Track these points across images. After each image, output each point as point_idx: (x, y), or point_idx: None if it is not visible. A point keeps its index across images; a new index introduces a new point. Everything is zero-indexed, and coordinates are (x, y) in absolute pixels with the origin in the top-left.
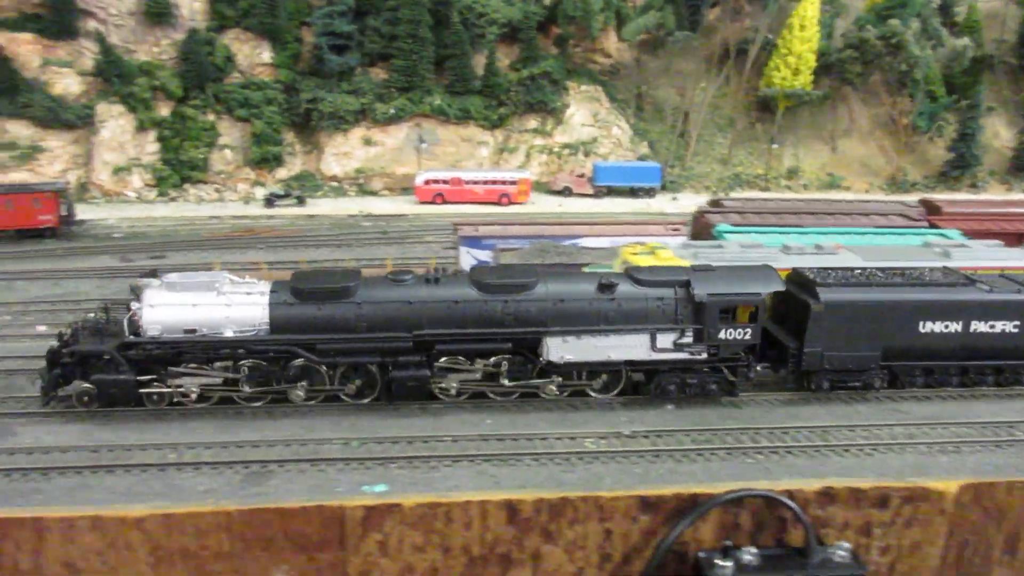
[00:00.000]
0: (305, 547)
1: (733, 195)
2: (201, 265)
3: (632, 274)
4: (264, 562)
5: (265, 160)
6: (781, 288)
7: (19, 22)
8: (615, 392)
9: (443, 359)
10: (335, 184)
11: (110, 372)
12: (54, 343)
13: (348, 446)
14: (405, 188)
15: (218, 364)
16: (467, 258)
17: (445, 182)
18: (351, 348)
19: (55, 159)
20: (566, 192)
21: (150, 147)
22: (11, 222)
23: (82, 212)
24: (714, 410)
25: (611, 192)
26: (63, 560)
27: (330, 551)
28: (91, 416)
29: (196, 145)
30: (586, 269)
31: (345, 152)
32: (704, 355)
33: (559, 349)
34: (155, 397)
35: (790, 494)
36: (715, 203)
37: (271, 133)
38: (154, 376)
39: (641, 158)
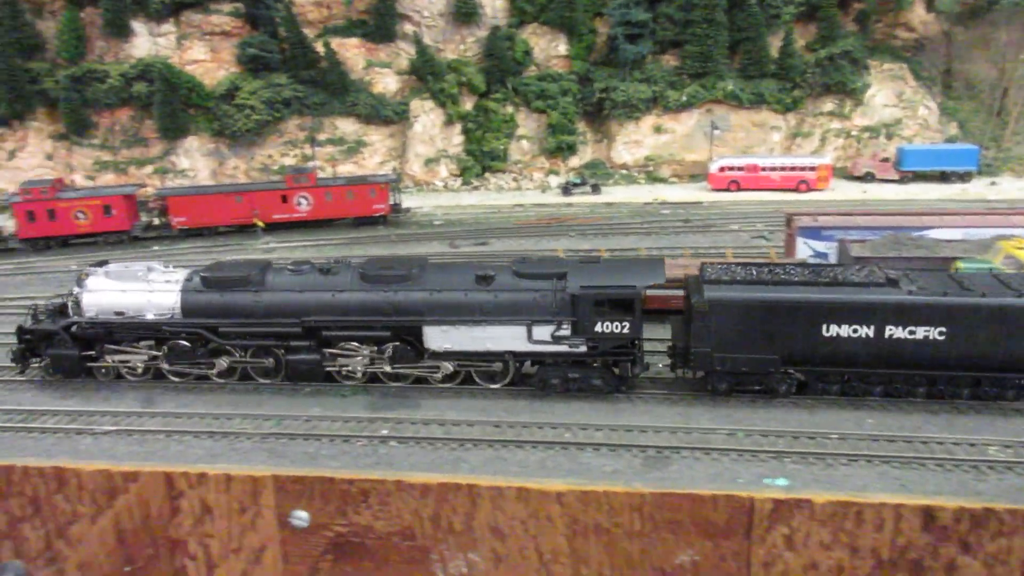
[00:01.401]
0: (712, 534)
1: None
2: (523, 251)
3: (513, 267)
4: (671, 544)
5: (559, 149)
6: (660, 281)
7: (347, 28)
8: (504, 383)
9: (340, 345)
10: (624, 172)
11: (59, 347)
12: (25, 322)
13: (733, 436)
14: (694, 175)
15: (143, 343)
16: (804, 249)
17: (740, 169)
18: (249, 332)
19: (375, 152)
20: (868, 178)
21: (455, 139)
22: (351, 211)
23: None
24: None
25: (917, 177)
26: (490, 525)
27: (735, 540)
28: (482, 394)
29: (497, 136)
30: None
31: (636, 140)
32: (583, 348)
33: (439, 339)
34: (103, 371)
35: None
36: None
37: (566, 123)
38: (94, 352)
39: (949, 140)
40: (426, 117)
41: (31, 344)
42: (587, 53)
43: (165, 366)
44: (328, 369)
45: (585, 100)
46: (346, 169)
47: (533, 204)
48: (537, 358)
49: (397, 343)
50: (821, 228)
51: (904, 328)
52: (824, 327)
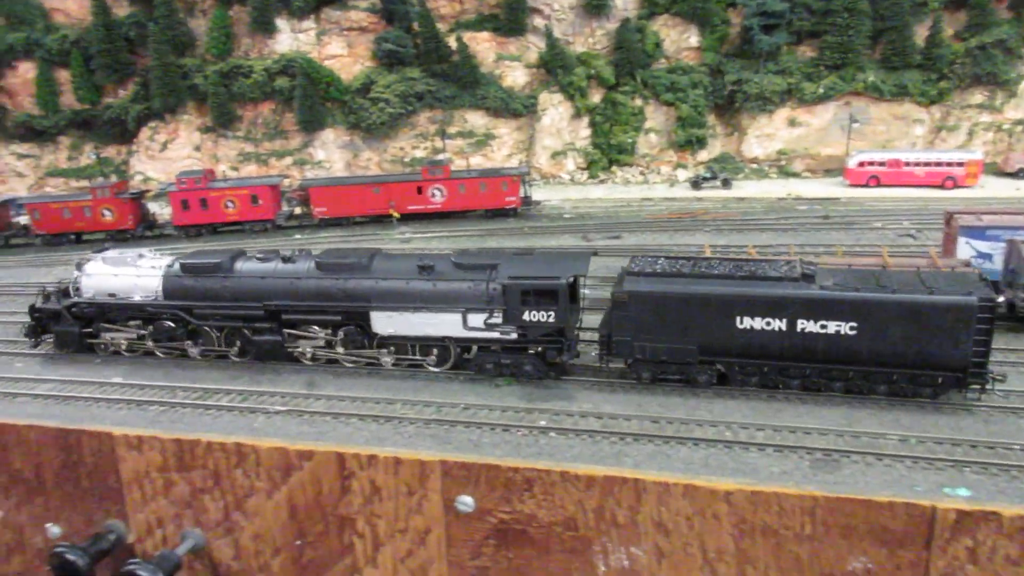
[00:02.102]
0: (887, 542)
1: None
2: (655, 245)
3: (452, 258)
4: (842, 550)
5: (688, 143)
6: (584, 273)
7: (479, 22)
8: (447, 367)
9: (300, 327)
10: (755, 166)
11: (63, 325)
12: (36, 301)
13: (905, 443)
14: (828, 170)
15: (132, 322)
16: (966, 250)
17: (881, 164)
18: (218, 314)
19: (502, 145)
20: (1021, 174)
21: (583, 132)
22: (483, 202)
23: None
24: None
25: None
26: (654, 520)
27: (913, 549)
28: (635, 388)
29: (625, 129)
30: None
31: (768, 134)
32: (513, 335)
33: (385, 324)
34: (103, 346)
35: None
36: None
37: (696, 116)
38: (92, 330)
39: None
40: (554, 110)
41: (41, 321)
42: (719, 45)
43: (151, 343)
44: (289, 349)
45: (716, 93)
46: (475, 162)
47: (662, 198)
48: (475, 344)
49: (349, 327)
50: (986, 228)
51: (815, 322)
52: (738, 319)
